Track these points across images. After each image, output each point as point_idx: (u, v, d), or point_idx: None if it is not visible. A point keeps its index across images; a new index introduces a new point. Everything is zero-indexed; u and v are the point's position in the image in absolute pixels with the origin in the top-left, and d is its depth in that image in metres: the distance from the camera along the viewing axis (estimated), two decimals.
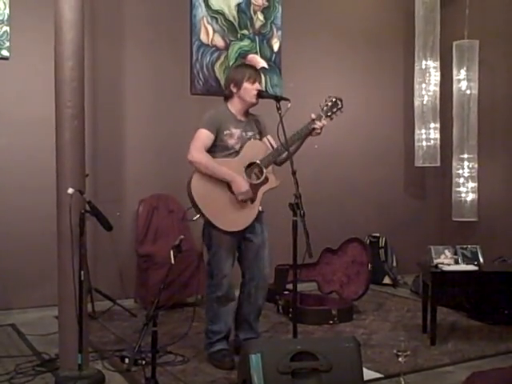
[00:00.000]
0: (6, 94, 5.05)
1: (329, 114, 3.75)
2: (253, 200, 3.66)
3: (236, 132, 3.70)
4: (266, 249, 3.81)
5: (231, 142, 3.68)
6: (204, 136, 3.63)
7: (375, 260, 5.96)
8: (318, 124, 3.68)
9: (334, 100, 3.77)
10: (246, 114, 3.80)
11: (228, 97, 3.78)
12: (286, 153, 3.61)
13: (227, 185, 3.62)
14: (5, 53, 5.00)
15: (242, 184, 3.60)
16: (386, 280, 6.23)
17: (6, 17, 4.99)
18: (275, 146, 3.74)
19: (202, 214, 3.60)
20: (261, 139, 3.82)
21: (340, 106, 3.78)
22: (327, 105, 3.75)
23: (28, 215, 5.08)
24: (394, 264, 6.34)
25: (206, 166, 3.58)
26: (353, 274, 5.24)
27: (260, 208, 3.75)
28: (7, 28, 5.00)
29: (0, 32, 4.99)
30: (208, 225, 3.66)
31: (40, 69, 4.91)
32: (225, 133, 3.67)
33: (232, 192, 3.62)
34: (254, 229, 3.75)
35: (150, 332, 3.04)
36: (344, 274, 5.29)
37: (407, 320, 4.85)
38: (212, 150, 3.67)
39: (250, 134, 3.76)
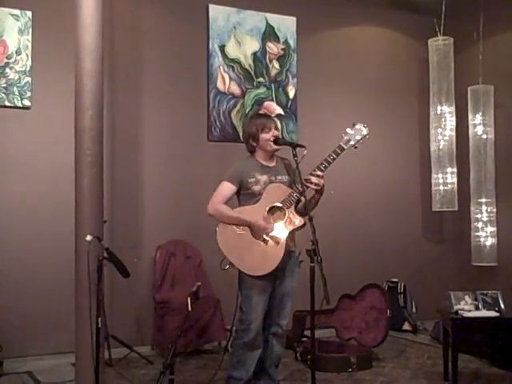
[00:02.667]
0: (27, 142, 5.15)
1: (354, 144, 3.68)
2: (278, 242, 3.60)
3: (262, 178, 3.67)
4: (290, 300, 3.76)
5: (257, 188, 3.65)
6: (225, 188, 3.67)
7: (394, 306, 5.89)
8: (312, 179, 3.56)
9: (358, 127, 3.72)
10: (274, 158, 3.78)
11: (252, 150, 3.78)
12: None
13: (250, 230, 3.60)
14: (26, 102, 5.13)
15: (259, 221, 3.55)
16: (406, 326, 6.12)
17: (28, 68, 5.13)
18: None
19: (231, 263, 3.59)
20: (294, 183, 3.70)
21: (365, 134, 3.71)
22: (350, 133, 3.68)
23: (46, 261, 5.09)
24: (414, 310, 6.25)
25: (222, 215, 3.60)
26: (371, 320, 5.17)
27: (293, 248, 3.70)
28: (29, 79, 5.13)
29: (22, 82, 5.12)
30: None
31: (60, 118, 5.01)
32: (249, 180, 3.66)
33: (254, 236, 3.59)
34: (284, 275, 3.70)
35: (167, 380, 3.01)
36: (362, 321, 5.23)
37: (428, 367, 4.76)
38: (240, 199, 3.71)
39: (279, 178, 3.71)
